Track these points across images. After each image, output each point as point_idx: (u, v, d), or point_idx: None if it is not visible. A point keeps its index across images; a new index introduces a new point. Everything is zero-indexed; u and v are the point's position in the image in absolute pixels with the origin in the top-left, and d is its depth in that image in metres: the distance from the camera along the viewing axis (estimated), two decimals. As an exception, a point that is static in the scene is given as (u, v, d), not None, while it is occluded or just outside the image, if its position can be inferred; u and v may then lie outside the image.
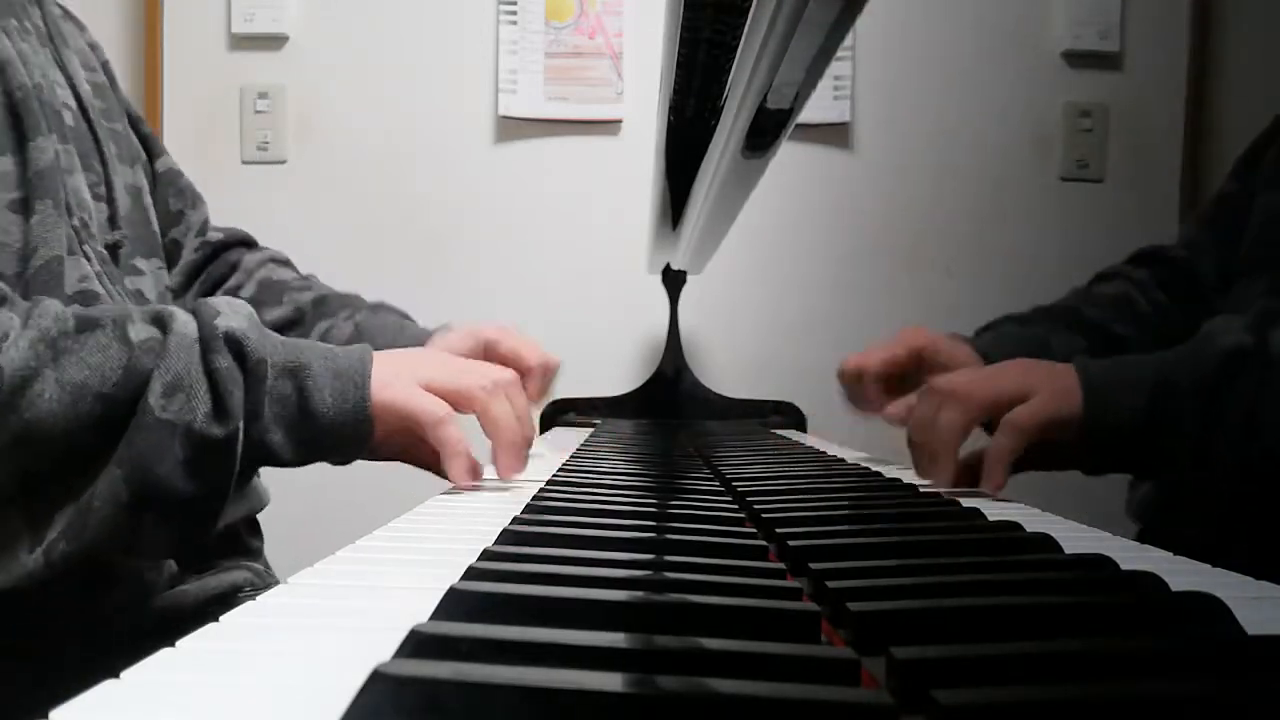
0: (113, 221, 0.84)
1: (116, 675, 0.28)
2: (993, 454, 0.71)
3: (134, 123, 0.97)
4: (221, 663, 0.30)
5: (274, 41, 1.86)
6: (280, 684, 0.28)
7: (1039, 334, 1.00)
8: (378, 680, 0.25)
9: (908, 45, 1.87)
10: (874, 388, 0.97)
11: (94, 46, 0.94)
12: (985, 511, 0.60)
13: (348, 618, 0.37)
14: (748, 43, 0.64)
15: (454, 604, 0.34)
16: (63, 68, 0.84)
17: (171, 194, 1.00)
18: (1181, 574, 0.43)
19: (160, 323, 0.65)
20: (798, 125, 0.81)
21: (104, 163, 0.84)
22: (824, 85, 1.82)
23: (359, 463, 0.73)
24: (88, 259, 0.77)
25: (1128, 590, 0.40)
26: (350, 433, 0.68)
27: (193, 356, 0.63)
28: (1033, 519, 0.62)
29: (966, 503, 0.64)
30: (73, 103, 0.83)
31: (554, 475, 0.76)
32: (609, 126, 1.86)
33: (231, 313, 0.66)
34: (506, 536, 0.48)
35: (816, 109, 1.82)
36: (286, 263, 1.08)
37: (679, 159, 0.94)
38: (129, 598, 0.74)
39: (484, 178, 1.87)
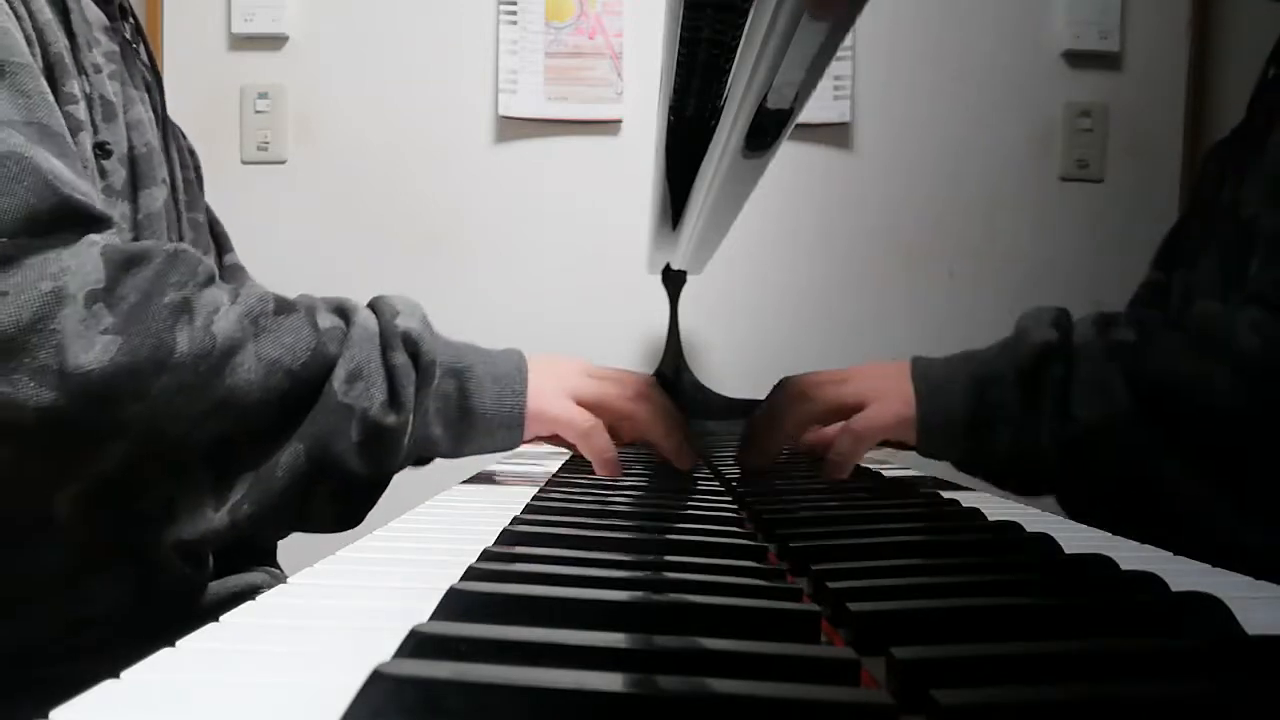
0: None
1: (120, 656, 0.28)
2: (833, 458, 0.79)
3: (211, 221, 1.05)
4: (221, 663, 0.30)
5: (274, 41, 1.85)
6: (280, 684, 0.29)
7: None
8: (378, 680, 0.25)
9: (908, 45, 1.87)
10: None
11: (192, 152, 1.01)
12: (985, 511, 0.60)
13: (348, 618, 0.37)
14: (748, 43, 0.64)
15: (454, 604, 0.34)
16: (166, 151, 0.91)
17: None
18: (1181, 574, 0.43)
19: (343, 314, 0.71)
20: (798, 125, 0.81)
21: (181, 238, 0.91)
22: (824, 85, 1.82)
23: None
24: None
25: (1128, 590, 0.40)
26: (503, 432, 0.76)
27: (373, 349, 0.70)
28: (1033, 519, 0.62)
29: (966, 503, 0.64)
30: (168, 182, 0.90)
31: (554, 475, 0.76)
32: (609, 126, 1.86)
33: (409, 313, 0.73)
34: (506, 536, 0.48)
35: (816, 109, 1.82)
36: None
37: (679, 159, 0.94)
38: (175, 591, 0.78)
39: (484, 178, 1.87)
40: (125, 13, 0.89)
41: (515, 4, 1.84)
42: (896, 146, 1.88)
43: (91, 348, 0.59)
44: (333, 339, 0.69)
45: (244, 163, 1.85)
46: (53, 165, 0.63)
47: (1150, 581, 0.39)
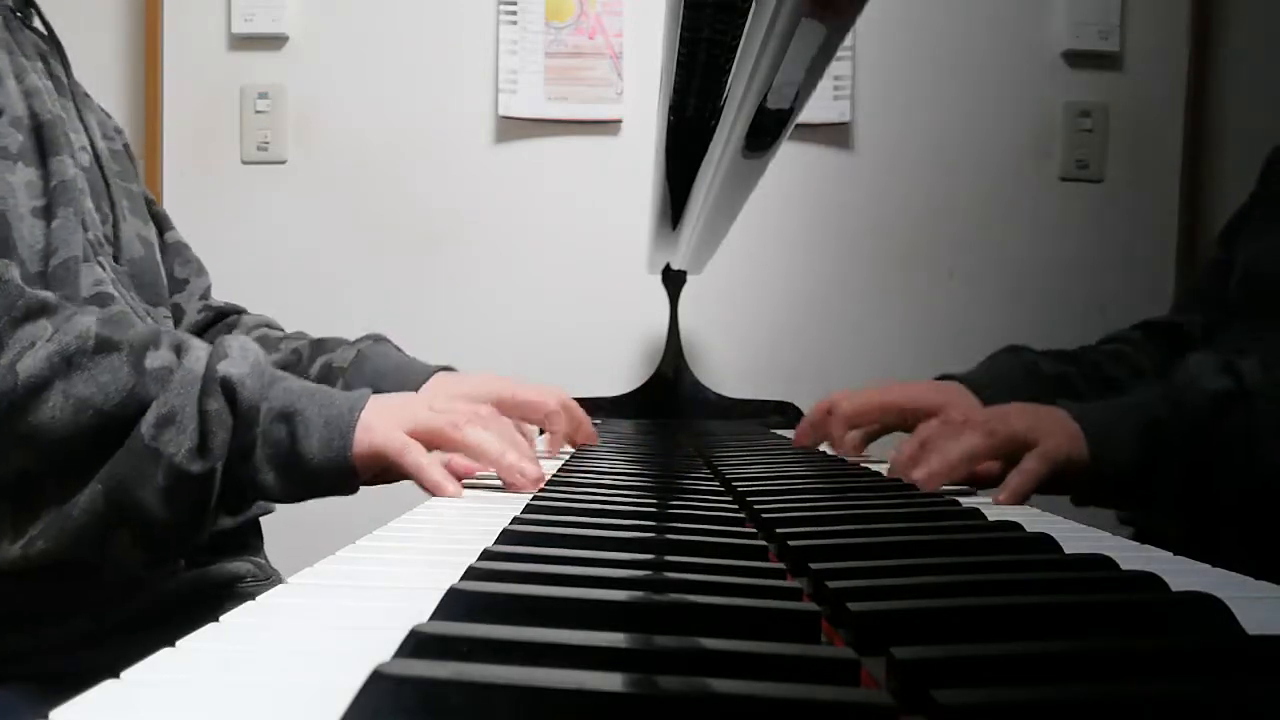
0: (116, 260, 0.89)
1: (115, 648, 0.28)
2: (1021, 475, 0.75)
3: (147, 201, 1.03)
4: (221, 663, 0.30)
5: (274, 41, 1.85)
6: (280, 684, 0.29)
7: (1032, 360, 1.04)
8: (378, 680, 0.25)
9: (908, 45, 1.87)
10: (840, 426, 1.02)
11: (118, 129, 1.00)
12: (985, 511, 0.60)
13: (348, 618, 0.37)
14: (748, 43, 0.64)
15: (454, 604, 0.34)
16: (81, 119, 0.90)
17: (178, 263, 1.06)
18: (1181, 574, 0.43)
19: (178, 351, 0.70)
20: (798, 125, 0.81)
21: (113, 207, 0.90)
22: (824, 85, 1.82)
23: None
24: (102, 267, 0.83)
25: (1128, 590, 0.40)
26: (335, 476, 0.72)
27: (191, 394, 0.68)
28: (1033, 519, 0.62)
29: (966, 503, 0.64)
30: (89, 149, 0.89)
31: (554, 475, 0.76)
32: (609, 126, 1.86)
33: (240, 357, 0.71)
34: (506, 536, 0.48)
35: (816, 109, 1.82)
36: (278, 326, 1.13)
37: (679, 159, 0.94)
38: (128, 581, 0.79)
39: (484, 178, 1.87)
40: None
41: (515, 4, 1.84)
42: (896, 146, 1.88)
43: None
44: (156, 380, 0.68)
45: (244, 163, 1.85)
46: None
47: (1150, 581, 0.39)
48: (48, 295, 0.69)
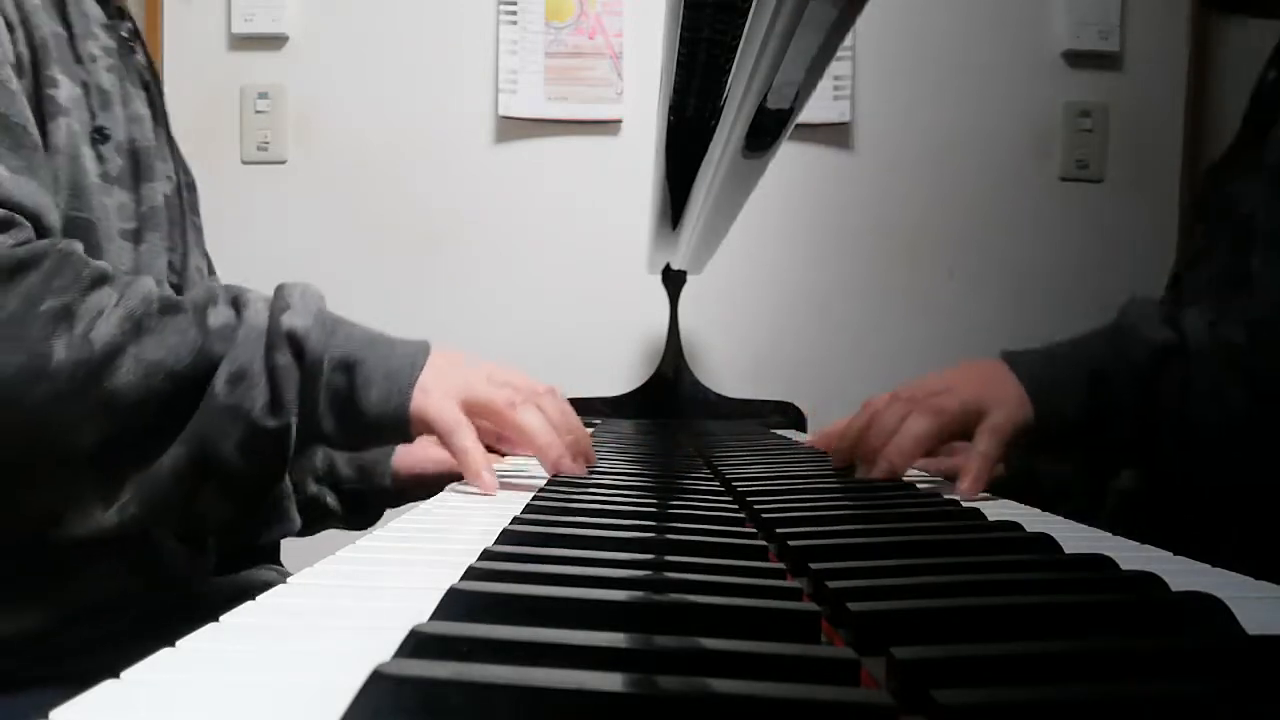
0: (179, 292, 0.90)
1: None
2: (978, 460, 0.74)
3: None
4: (221, 663, 0.30)
5: (274, 41, 1.86)
6: (280, 684, 0.29)
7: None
8: (378, 680, 0.25)
9: (908, 45, 1.87)
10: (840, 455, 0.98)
11: (185, 164, 1.02)
12: (985, 511, 0.60)
13: (348, 618, 0.37)
14: (748, 43, 0.64)
15: (454, 604, 0.34)
16: (170, 148, 0.92)
17: None
18: (1181, 574, 0.43)
19: (237, 308, 0.70)
20: (798, 125, 0.81)
21: (183, 237, 0.92)
22: (824, 85, 1.82)
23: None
24: (178, 292, 0.85)
25: (1128, 590, 0.40)
26: (390, 431, 0.73)
27: (258, 349, 0.69)
28: (1033, 519, 0.62)
29: (966, 503, 0.64)
30: (173, 179, 0.91)
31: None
32: (609, 126, 1.86)
33: (301, 308, 0.71)
34: (506, 536, 0.48)
35: (816, 109, 1.82)
36: None
37: (679, 159, 0.94)
38: (175, 579, 0.80)
39: (484, 178, 1.87)
40: (123, 14, 0.89)
41: (515, 4, 1.84)
42: (896, 146, 1.88)
43: None
44: (220, 337, 0.68)
45: (244, 163, 1.85)
46: None
47: (1150, 581, 0.39)
48: (106, 265, 0.69)
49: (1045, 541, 0.49)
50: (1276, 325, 0.75)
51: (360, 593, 0.40)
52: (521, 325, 1.83)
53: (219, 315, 0.69)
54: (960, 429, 0.76)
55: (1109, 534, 0.58)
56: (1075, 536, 0.55)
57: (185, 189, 0.95)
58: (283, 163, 1.87)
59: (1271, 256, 0.83)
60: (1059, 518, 0.64)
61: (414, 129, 1.86)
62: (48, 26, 0.74)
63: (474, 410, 0.75)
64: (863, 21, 0.72)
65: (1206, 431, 0.72)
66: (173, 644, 0.31)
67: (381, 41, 1.86)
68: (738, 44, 0.65)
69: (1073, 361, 0.77)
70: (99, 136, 0.77)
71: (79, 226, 0.75)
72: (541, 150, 1.87)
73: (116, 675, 0.27)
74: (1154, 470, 0.78)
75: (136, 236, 0.82)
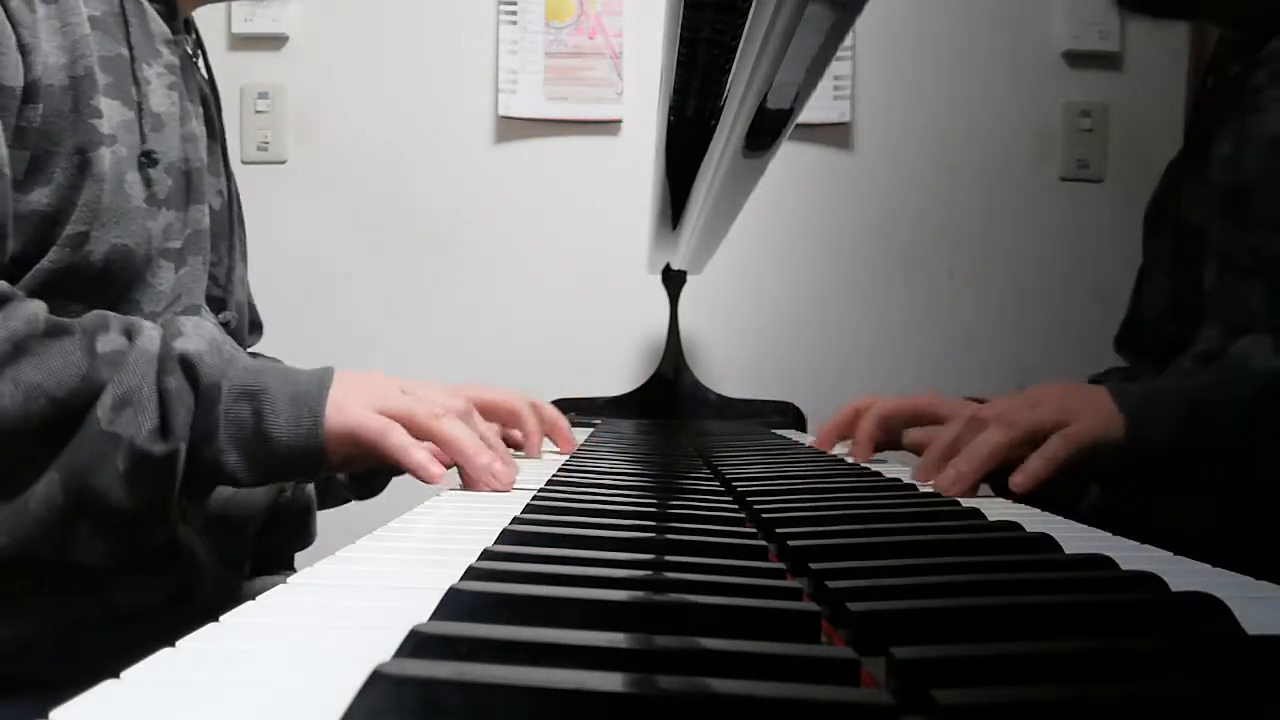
0: (225, 304, 0.91)
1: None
2: (1040, 458, 0.71)
3: None
4: (221, 663, 0.30)
5: (274, 41, 1.86)
6: (280, 684, 0.29)
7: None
8: (378, 680, 0.25)
9: (908, 45, 1.87)
10: (871, 423, 0.95)
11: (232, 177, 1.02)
12: (985, 511, 0.60)
13: (348, 618, 0.37)
14: (748, 43, 0.64)
15: (454, 604, 0.34)
16: (224, 162, 0.92)
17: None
18: (1181, 574, 0.43)
19: (129, 335, 0.67)
20: (798, 125, 0.81)
21: (230, 250, 0.91)
22: (824, 85, 1.82)
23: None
24: (215, 314, 0.86)
25: (1128, 590, 0.40)
26: (304, 455, 0.69)
27: (148, 374, 0.66)
28: (1033, 519, 0.62)
29: (966, 503, 0.64)
30: (224, 193, 0.91)
31: (554, 475, 0.76)
32: (609, 126, 1.86)
33: (194, 334, 0.69)
34: (506, 536, 0.48)
35: (816, 109, 1.82)
36: None
37: (679, 159, 0.94)
38: (206, 591, 0.79)
39: (484, 178, 1.87)
40: (189, 26, 0.89)
41: (515, 4, 1.84)
42: (896, 146, 1.88)
43: None
44: (108, 363, 0.65)
45: (244, 163, 1.85)
46: None
47: (1150, 581, 0.39)
48: (4, 286, 0.66)
49: (1045, 541, 0.49)
50: None
51: (360, 593, 0.40)
52: (521, 325, 1.83)
53: (109, 341, 0.66)
54: (1039, 438, 0.72)
55: (1109, 534, 0.58)
56: (1075, 536, 0.55)
57: (234, 200, 0.95)
58: (283, 163, 1.87)
59: (1228, 279, 0.83)
60: (1059, 518, 0.64)
61: (414, 129, 1.86)
62: (98, 52, 0.73)
63: (396, 419, 0.71)
64: (863, 21, 0.72)
65: None
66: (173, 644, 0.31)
67: (381, 41, 1.86)
68: (738, 44, 0.65)
69: (1176, 389, 0.73)
70: (146, 160, 0.77)
71: (117, 253, 0.74)
72: (541, 150, 1.87)
73: (116, 675, 0.27)
74: (1248, 505, 0.73)
75: (179, 258, 0.81)
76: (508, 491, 0.72)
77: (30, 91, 0.71)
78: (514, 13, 1.84)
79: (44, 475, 0.64)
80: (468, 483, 0.73)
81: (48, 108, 0.71)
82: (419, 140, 1.86)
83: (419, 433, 0.72)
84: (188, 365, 0.67)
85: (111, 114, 0.74)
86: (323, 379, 0.71)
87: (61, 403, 0.63)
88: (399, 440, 0.70)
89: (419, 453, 0.70)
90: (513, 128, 1.86)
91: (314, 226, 1.85)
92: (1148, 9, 1.05)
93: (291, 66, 1.86)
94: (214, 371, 0.68)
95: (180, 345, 0.67)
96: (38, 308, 0.66)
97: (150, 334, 0.68)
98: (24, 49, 0.70)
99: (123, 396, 0.65)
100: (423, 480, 0.71)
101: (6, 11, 0.69)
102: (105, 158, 0.73)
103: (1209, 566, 0.47)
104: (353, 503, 1.05)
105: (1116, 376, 1.04)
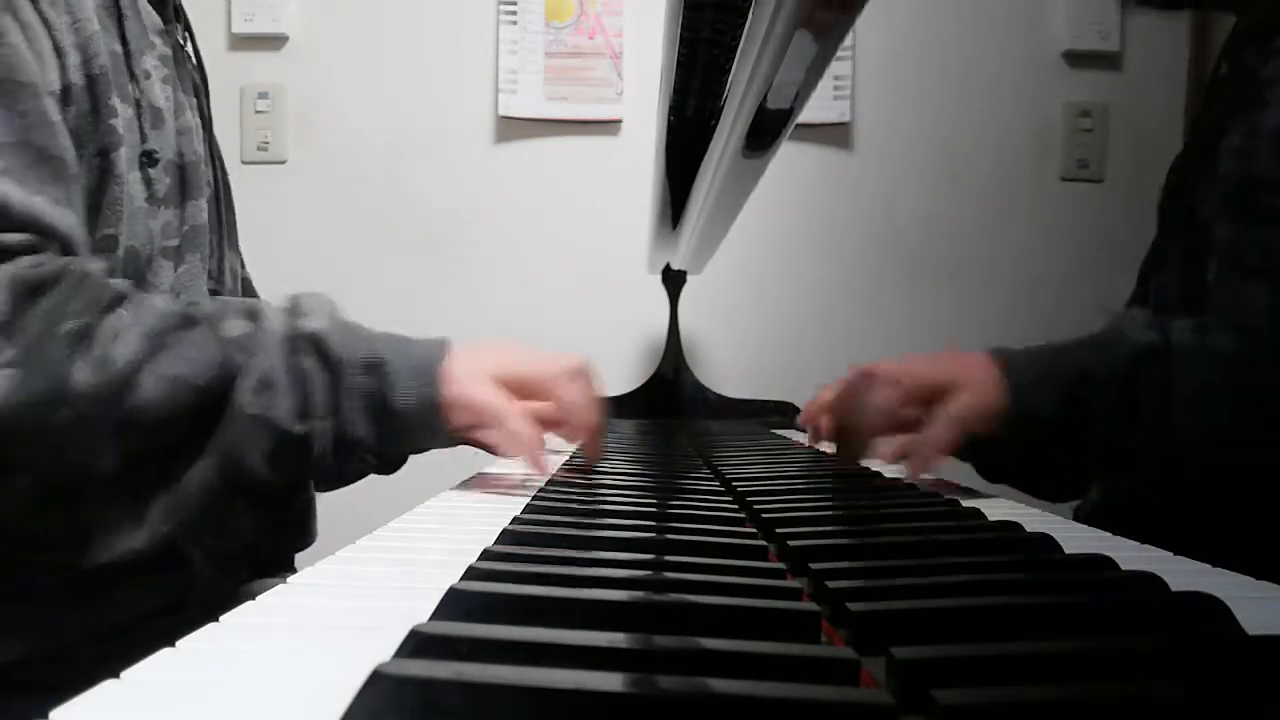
0: (216, 295, 0.91)
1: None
2: (929, 441, 0.74)
3: None
4: (221, 663, 0.30)
5: (274, 41, 1.86)
6: (280, 684, 0.29)
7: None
8: (378, 680, 0.25)
9: (908, 45, 1.87)
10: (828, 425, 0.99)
11: (223, 165, 1.02)
12: (985, 511, 0.60)
13: (348, 618, 0.37)
14: (748, 43, 0.64)
15: (454, 604, 0.34)
16: (212, 153, 0.92)
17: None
18: (1181, 574, 0.43)
19: (252, 318, 0.69)
20: (798, 125, 0.81)
21: (220, 241, 0.92)
22: (824, 85, 1.82)
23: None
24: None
25: (1128, 590, 0.40)
26: (426, 425, 0.72)
27: (279, 356, 0.68)
28: (1033, 519, 0.62)
29: (966, 503, 0.64)
30: (213, 184, 0.91)
31: (554, 475, 0.76)
32: (609, 126, 1.86)
33: (318, 312, 0.71)
34: (506, 536, 0.48)
35: (816, 109, 1.82)
36: None
37: (679, 159, 0.94)
38: (208, 599, 0.79)
39: (484, 178, 1.87)
40: (179, 13, 0.89)
41: (515, 4, 1.84)
42: (896, 146, 1.88)
43: None
44: (239, 348, 0.67)
45: (244, 163, 1.85)
46: (10, 197, 0.63)
47: (1150, 581, 0.39)
48: (125, 284, 0.68)
49: (1045, 541, 0.49)
50: (1266, 334, 0.74)
51: (360, 593, 0.40)
52: (521, 325, 1.83)
53: (235, 327, 0.68)
54: (923, 400, 0.76)
55: (1109, 534, 0.58)
56: (1075, 536, 0.55)
57: (223, 190, 0.95)
58: (283, 163, 1.87)
59: (1225, 270, 0.83)
60: (1059, 518, 0.64)
61: (414, 129, 1.86)
62: (106, 49, 0.74)
63: (513, 387, 0.74)
64: (863, 21, 0.72)
65: (1186, 437, 0.71)
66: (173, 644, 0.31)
67: (381, 41, 1.86)
68: (738, 44, 0.65)
69: (1057, 360, 0.76)
70: (147, 160, 0.77)
71: (130, 254, 0.75)
72: (541, 150, 1.87)
73: (116, 675, 0.28)
74: (1130, 475, 0.77)
75: (178, 256, 0.82)
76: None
77: (65, 95, 0.71)
78: (514, 13, 1.84)
79: (199, 461, 0.66)
80: (586, 450, 0.79)
81: (77, 110, 0.72)
82: (419, 140, 1.86)
83: (541, 393, 0.76)
84: (317, 344, 0.69)
85: (121, 113, 0.75)
86: (440, 350, 0.74)
87: (204, 390, 0.65)
88: (515, 426, 0.73)
89: (528, 441, 0.73)
90: (513, 128, 1.86)
91: (314, 226, 1.85)
92: (1156, 1, 1.05)
93: (291, 66, 1.86)
94: (340, 347, 0.70)
95: (307, 324, 0.69)
96: (164, 301, 0.68)
97: (272, 315, 0.70)
98: (57, 51, 0.70)
99: (261, 380, 0.67)
100: (535, 470, 0.74)
101: (40, 15, 0.69)
102: (122, 157, 0.74)
103: (1209, 566, 0.47)
104: (352, 503, 1.05)
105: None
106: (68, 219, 0.68)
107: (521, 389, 0.75)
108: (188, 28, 0.92)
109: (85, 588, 0.72)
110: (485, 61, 1.85)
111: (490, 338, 0.78)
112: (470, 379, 0.73)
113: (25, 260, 0.64)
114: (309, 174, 1.87)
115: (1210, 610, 0.34)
